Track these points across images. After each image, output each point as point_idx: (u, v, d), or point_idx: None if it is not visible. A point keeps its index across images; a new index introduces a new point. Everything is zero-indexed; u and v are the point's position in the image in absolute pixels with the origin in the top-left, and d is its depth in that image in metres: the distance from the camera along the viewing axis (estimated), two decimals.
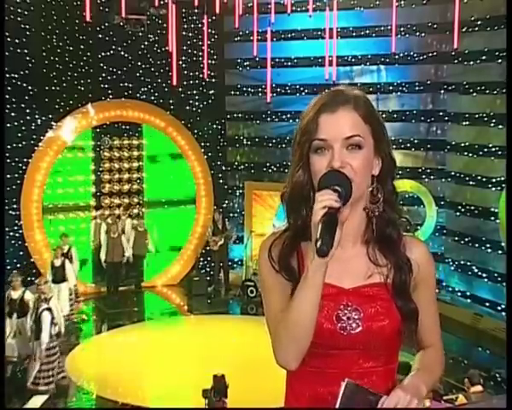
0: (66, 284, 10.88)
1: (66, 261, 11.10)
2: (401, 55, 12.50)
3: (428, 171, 12.57)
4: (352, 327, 1.72)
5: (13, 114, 11.90)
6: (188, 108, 13.90)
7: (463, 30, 11.31)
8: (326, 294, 1.70)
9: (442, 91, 12.49)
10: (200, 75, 13.29)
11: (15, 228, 12.20)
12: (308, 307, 1.65)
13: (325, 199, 1.60)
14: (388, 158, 1.79)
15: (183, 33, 13.15)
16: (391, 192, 1.80)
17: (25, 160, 12.32)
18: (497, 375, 8.80)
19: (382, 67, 12.98)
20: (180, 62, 12.94)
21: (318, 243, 1.57)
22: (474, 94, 11.71)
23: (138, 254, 13.09)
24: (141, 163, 13.92)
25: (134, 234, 13.08)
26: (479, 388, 6.89)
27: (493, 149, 11.30)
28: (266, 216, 13.49)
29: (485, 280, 11.60)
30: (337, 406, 1.62)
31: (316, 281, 1.63)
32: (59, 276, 10.83)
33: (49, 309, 8.37)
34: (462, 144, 12.02)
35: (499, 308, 11.14)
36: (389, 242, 1.79)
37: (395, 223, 1.80)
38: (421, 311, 1.79)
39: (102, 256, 12.67)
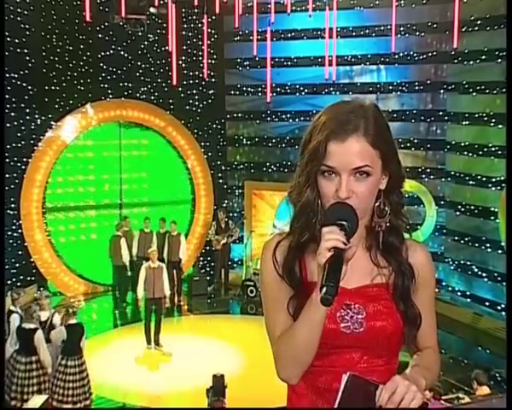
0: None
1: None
2: (401, 54, 12.50)
3: (428, 170, 12.58)
4: (356, 327, 1.74)
5: (13, 113, 11.90)
6: (188, 107, 13.90)
7: (463, 29, 11.31)
8: None
9: (442, 91, 12.49)
10: (200, 75, 13.29)
11: (14, 228, 12.20)
12: (310, 335, 1.68)
13: (332, 239, 1.58)
14: (397, 172, 1.79)
15: (183, 33, 13.15)
16: (397, 202, 1.81)
17: (24, 159, 12.32)
18: (497, 375, 8.80)
19: (382, 66, 12.98)
20: (180, 62, 12.94)
21: (323, 291, 1.54)
22: (474, 94, 11.71)
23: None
24: (141, 163, 13.93)
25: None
26: (486, 389, 6.86)
27: (493, 149, 11.31)
28: (266, 216, 13.50)
29: (485, 280, 11.60)
30: (338, 399, 1.63)
31: (319, 314, 1.65)
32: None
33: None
34: (462, 144, 12.02)
35: (499, 308, 11.15)
36: (391, 248, 1.81)
37: (399, 230, 1.82)
38: (421, 316, 1.81)
39: (140, 292, 10.49)
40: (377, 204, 1.76)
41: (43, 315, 8.42)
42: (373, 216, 1.78)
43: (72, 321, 8.17)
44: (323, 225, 1.63)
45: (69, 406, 7.97)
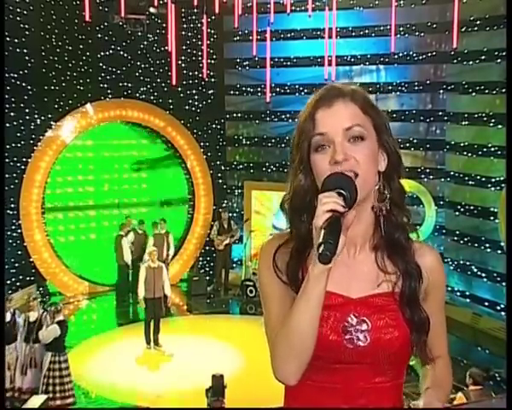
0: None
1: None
2: (400, 54, 12.50)
3: (428, 171, 12.58)
4: (360, 340, 1.62)
5: (12, 113, 11.90)
6: (187, 107, 13.91)
7: (463, 30, 11.31)
8: (332, 304, 1.63)
9: (441, 91, 12.49)
10: (200, 75, 13.29)
11: (13, 228, 12.20)
12: (309, 317, 1.54)
13: (329, 202, 1.49)
14: (394, 153, 1.70)
15: (183, 33, 13.16)
16: (398, 191, 1.71)
17: (24, 159, 12.32)
18: (497, 375, 8.80)
19: (382, 66, 12.98)
20: (179, 62, 12.95)
21: (321, 248, 1.46)
22: (474, 94, 11.71)
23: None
24: (141, 164, 13.94)
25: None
26: (478, 386, 6.89)
27: (492, 149, 11.31)
28: (266, 216, 13.51)
29: (485, 280, 11.60)
30: None
31: (317, 289, 1.52)
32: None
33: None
34: (462, 144, 12.02)
35: (498, 308, 11.15)
36: (398, 247, 1.69)
37: (404, 226, 1.71)
38: (430, 321, 1.69)
39: (141, 292, 10.33)
40: (377, 187, 1.67)
41: (32, 316, 8.44)
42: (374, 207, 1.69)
43: (61, 318, 8.30)
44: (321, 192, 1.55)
45: (70, 400, 8.07)
